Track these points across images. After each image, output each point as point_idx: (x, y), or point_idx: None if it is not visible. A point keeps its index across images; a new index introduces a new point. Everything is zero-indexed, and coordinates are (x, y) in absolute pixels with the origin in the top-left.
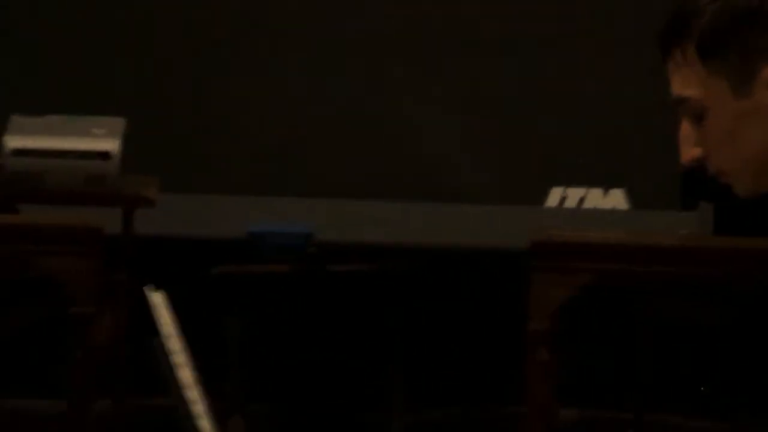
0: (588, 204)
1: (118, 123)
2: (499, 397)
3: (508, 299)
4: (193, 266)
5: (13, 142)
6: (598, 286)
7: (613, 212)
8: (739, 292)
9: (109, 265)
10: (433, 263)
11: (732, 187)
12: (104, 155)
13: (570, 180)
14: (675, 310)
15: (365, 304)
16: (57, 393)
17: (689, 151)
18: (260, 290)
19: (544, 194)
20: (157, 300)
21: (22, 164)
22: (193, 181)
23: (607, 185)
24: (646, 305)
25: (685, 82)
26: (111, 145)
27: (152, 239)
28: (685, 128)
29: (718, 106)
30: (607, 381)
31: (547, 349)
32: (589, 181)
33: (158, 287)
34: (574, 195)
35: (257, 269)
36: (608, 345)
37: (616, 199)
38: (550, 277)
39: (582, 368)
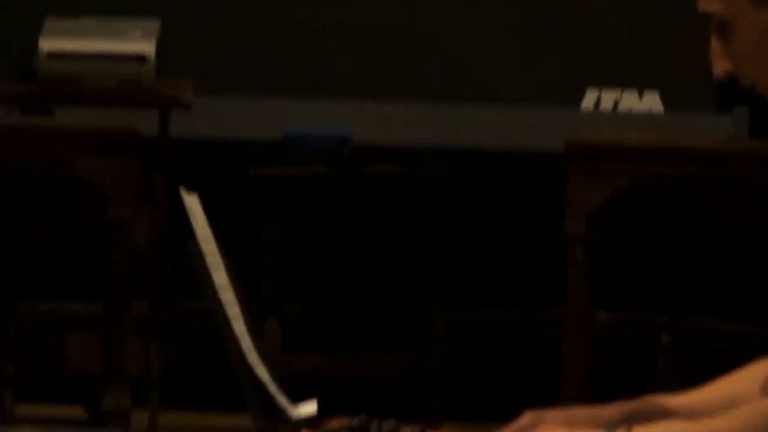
0: (623, 106)
1: (154, 25)
2: (536, 299)
3: (546, 201)
4: (228, 168)
5: (48, 44)
6: (635, 189)
7: (647, 115)
8: None
9: (144, 168)
10: (469, 165)
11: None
12: (139, 58)
13: (605, 82)
14: (710, 213)
15: (401, 207)
16: (94, 296)
17: (720, 66)
18: (296, 193)
19: (580, 96)
20: (192, 202)
21: (57, 67)
22: (228, 83)
23: (642, 87)
24: (682, 208)
25: None
26: (146, 47)
27: (187, 141)
28: (715, 43)
29: (742, 20)
30: (643, 284)
31: (583, 251)
32: (624, 83)
33: (193, 189)
34: (608, 97)
35: (292, 172)
36: (644, 248)
37: (651, 102)
38: (586, 180)
39: (618, 271)
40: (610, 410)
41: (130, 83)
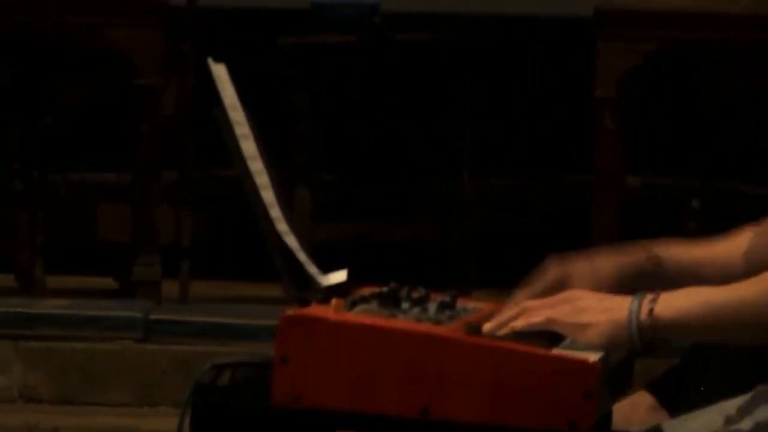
0: None
1: None
2: (566, 165)
3: (575, 67)
4: (257, 37)
5: None
6: (664, 54)
7: None
8: None
9: (173, 38)
10: (498, 32)
11: None
12: None
13: None
14: (738, 77)
15: (431, 75)
16: (124, 166)
17: None
18: (325, 61)
19: None
20: (219, 71)
21: None
22: None
23: None
24: (709, 73)
25: None
26: None
27: (216, 11)
28: None
29: None
30: (673, 148)
31: (613, 116)
32: None
33: (221, 59)
34: None
35: (321, 40)
36: (674, 113)
37: None
38: (615, 45)
39: (648, 136)
40: (634, 257)
41: None
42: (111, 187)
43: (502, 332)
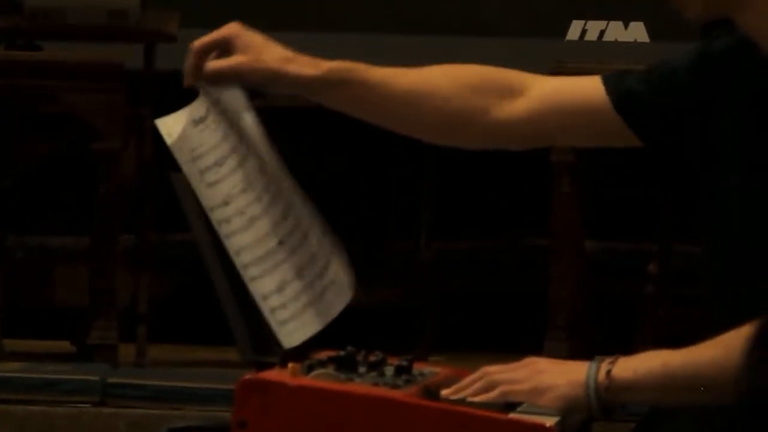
0: (608, 37)
1: None
2: (524, 228)
3: None
4: None
5: None
6: None
7: (633, 45)
8: None
9: (131, 101)
10: None
11: (681, 12)
12: None
13: (590, 13)
14: None
15: (389, 137)
16: (82, 229)
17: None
18: (281, 123)
19: (565, 27)
20: (166, 128)
21: (42, 1)
22: (213, 16)
23: (627, 18)
24: None
25: None
26: None
27: (174, 74)
28: None
29: None
30: (632, 212)
31: (570, 180)
32: (609, 14)
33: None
34: (594, 28)
35: (278, 102)
36: (632, 176)
37: (637, 32)
38: None
39: (606, 199)
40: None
41: (116, 17)
42: (69, 251)
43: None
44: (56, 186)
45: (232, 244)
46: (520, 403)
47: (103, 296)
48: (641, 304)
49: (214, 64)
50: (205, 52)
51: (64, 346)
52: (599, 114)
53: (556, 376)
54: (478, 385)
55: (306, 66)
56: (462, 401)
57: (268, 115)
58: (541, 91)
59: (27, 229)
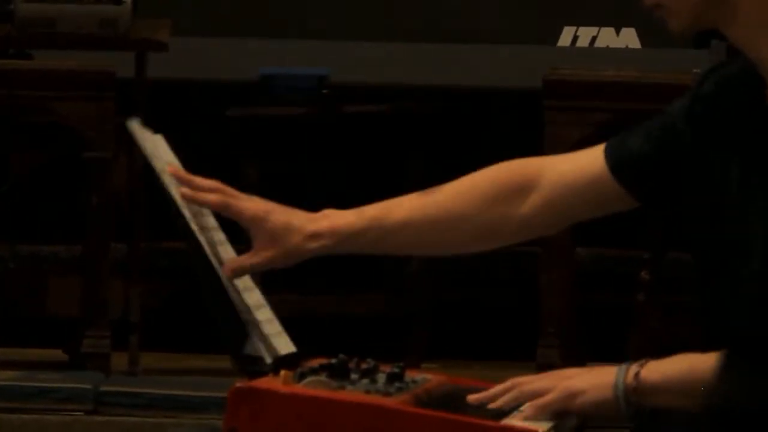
0: (600, 43)
1: None
2: None
3: (524, 139)
4: (206, 109)
5: None
6: (612, 125)
7: (625, 51)
8: None
9: (122, 110)
10: (447, 104)
11: (666, 23)
12: (116, 0)
13: (582, 20)
14: None
15: (380, 146)
16: (73, 239)
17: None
18: (274, 133)
19: (557, 34)
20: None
21: (33, 10)
22: (205, 24)
23: (619, 24)
24: None
25: None
26: None
27: (165, 83)
28: None
29: None
30: (622, 220)
31: None
32: (601, 21)
33: (172, 130)
34: (586, 34)
35: (271, 112)
36: None
37: (629, 38)
38: (564, 116)
39: None
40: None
41: (107, 25)
42: (60, 260)
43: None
44: (47, 195)
45: (204, 243)
46: (513, 410)
47: (95, 305)
48: (633, 312)
49: (243, 261)
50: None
51: (57, 354)
52: (604, 185)
53: (584, 381)
54: (508, 396)
55: (324, 238)
56: (454, 408)
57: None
58: (550, 179)
59: (18, 239)
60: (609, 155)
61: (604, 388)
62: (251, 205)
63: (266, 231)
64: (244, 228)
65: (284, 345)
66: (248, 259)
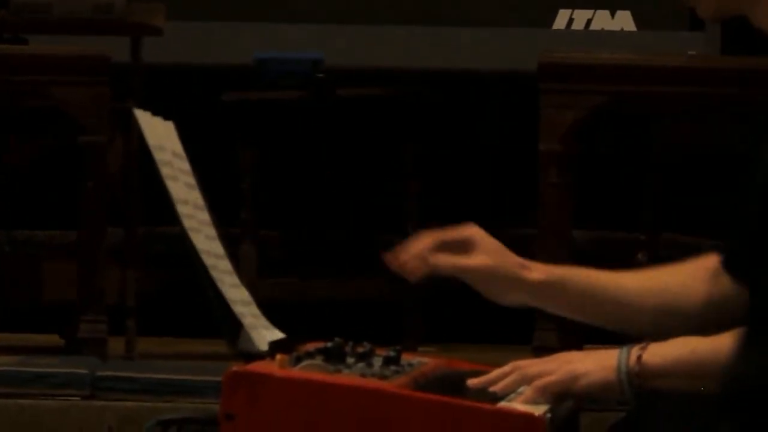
0: (595, 26)
1: None
2: (512, 219)
3: (520, 122)
4: (201, 94)
5: None
6: (607, 107)
7: (620, 34)
8: (747, 112)
9: (117, 95)
10: (442, 87)
11: (694, 8)
12: None
13: (577, 2)
14: (684, 130)
15: (375, 129)
16: (69, 224)
17: None
18: (270, 117)
19: (552, 17)
20: (143, 117)
21: None
22: (199, 9)
23: (614, 7)
24: (655, 125)
25: None
26: None
27: (160, 67)
28: None
29: None
30: (620, 202)
31: (558, 170)
32: (596, 3)
33: (167, 115)
34: (581, 17)
35: (266, 96)
36: (621, 166)
37: (624, 21)
38: (560, 99)
39: (594, 190)
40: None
41: (102, 10)
42: (56, 245)
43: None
44: (43, 180)
45: (197, 242)
46: (509, 393)
47: (92, 290)
48: None
49: (453, 260)
50: (440, 246)
51: (53, 339)
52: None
53: (587, 363)
54: (509, 379)
55: (535, 272)
56: (450, 391)
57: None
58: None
59: (14, 224)
60: (723, 251)
61: (606, 371)
62: (476, 262)
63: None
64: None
65: (275, 335)
66: (470, 260)
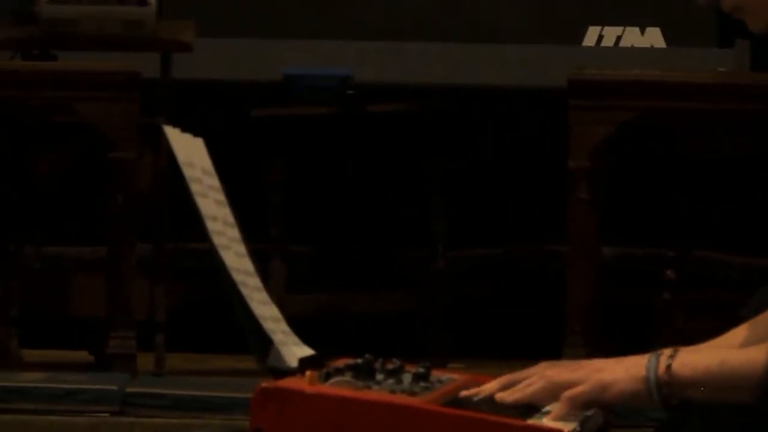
0: (625, 43)
1: None
2: (541, 235)
3: (549, 138)
4: (230, 110)
5: None
6: (637, 123)
7: (650, 50)
8: None
9: (146, 111)
10: (472, 103)
11: (747, 24)
12: (141, 1)
13: (607, 19)
14: (713, 146)
15: (404, 145)
16: (98, 239)
17: None
18: (298, 133)
19: (582, 33)
20: (173, 133)
21: (58, 11)
22: (229, 25)
23: (643, 24)
24: (684, 141)
25: None
26: None
27: (189, 83)
28: None
29: None
30: (648, 218)
31: (587, 186)
32: (625, 20)
33: (196, 131)
34: (610, 34)
35: (295, 112)
36: (649, 182)
37: (653, 38)
38: (589, 115)
39: (623, 206)
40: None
41: (132, 26)
42: (85, 261)
43: (514, 398)
44: (72, 196)
45: (243, 264)
46: (539, 408)
47: (121, 305)
48: (658, 311)
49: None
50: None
51: (83, 355)
52: None
53: (616, 373)
54: (538, 386)
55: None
56: (480, 407)
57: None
58: None
59: (43, 240)
60: None
61: (635, 380)
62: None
63: None
64: None
65: (304, 352)
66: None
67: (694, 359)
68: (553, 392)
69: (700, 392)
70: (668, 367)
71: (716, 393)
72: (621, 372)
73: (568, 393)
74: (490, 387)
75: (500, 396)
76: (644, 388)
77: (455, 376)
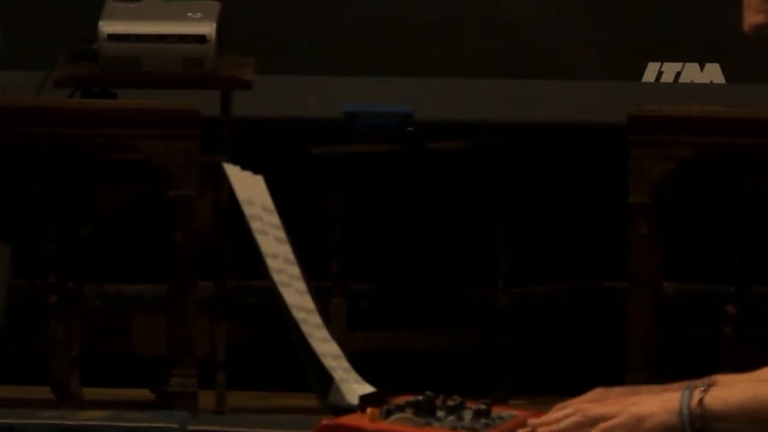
0: (684, 79)
1: (214, 6)
2: (602, 271)
3: (609, 175)
4: (291, 147)
5: (109, 27)
6: (697, 160)
7: (710, 86)
8: None
9: (207, 148)
10: (532, 140)
11: None
12: (200, 38)
13: (666, 55)
14: None
15: (465, 182)
16: (159, 277)
17: (752, 18)
18: (359, 170)
19: (641, 69)
20: (232, 170)
21: (118, 49)
22: (289, 62)
23: (703, 60)
24: (745, 177)
25: None
26: (207, 28)
27: (250, 121)
28: None
29: None
30: (709, 254)
31: (648, 222)
32: (685, 56)
33: (257, 169)
34: (670, 70)
35: (355, 149)
36: (708, 218)
37: (713, 74)
38: (648, 151)
39: (684, 241)
40: (676, 387)
41: (192, 64)
42: (146, 299)
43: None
44: (133, 234)
45: (304, 301)
46: None
47: (182, 343)
48: (719, 346)
49: None
50: None
51: (144, 394)
52: None
53: (650, 406)
54: (572, 419)
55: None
56: None
57: (350, 160)
58: None
59: (104, 278)
60: None
61: (669, 413)
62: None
63: None
64: None
65: (365, 389)
66: None
67: (727, 393)
68: (587, 426)
69: (732, 425)
70: (701, 400)
71: (748, 426)
72: (656, 405)
73: (602, 425)
74: (538, 421)
75: (533, 421)
76: (678, 421)
77: (516, 412)
